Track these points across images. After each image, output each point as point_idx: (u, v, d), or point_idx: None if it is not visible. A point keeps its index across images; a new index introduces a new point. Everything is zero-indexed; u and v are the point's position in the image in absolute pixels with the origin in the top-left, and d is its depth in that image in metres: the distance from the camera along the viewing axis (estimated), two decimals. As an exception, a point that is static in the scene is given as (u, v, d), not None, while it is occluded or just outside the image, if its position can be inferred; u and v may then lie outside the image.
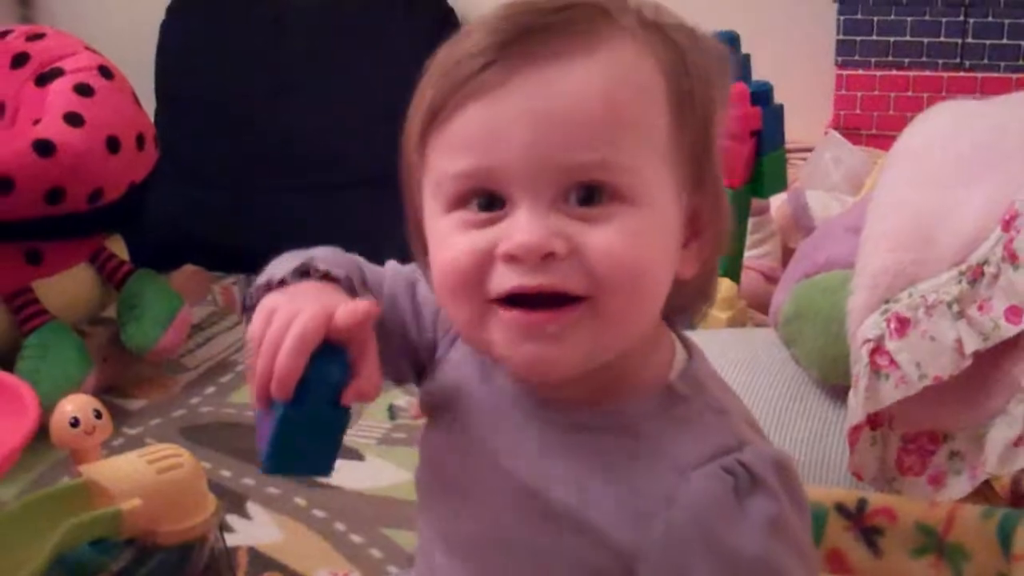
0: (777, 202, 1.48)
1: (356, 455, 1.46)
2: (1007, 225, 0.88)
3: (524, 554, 0.60)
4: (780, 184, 1.25)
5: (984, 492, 0.87)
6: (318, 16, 2.12)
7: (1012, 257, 0.87)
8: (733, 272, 1.19)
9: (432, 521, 0.67)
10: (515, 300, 0.56)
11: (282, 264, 0.65)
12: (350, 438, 1.49)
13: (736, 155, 1.14)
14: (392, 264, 0.72)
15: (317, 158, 2.04)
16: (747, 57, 1.19)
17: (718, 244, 0.62)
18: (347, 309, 0.57)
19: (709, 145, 0.61)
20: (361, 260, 0.71)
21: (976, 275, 0.88)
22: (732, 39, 1.16)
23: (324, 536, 1.30)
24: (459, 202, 0.58)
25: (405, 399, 1.59)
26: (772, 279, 1.35)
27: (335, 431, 0.58)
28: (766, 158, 1.18)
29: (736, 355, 1.09)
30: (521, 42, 0.57)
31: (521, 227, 0.55)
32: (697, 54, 0.61)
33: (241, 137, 2.07)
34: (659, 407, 0.60)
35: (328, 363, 0.56)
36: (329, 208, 1.98)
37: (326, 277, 0.63)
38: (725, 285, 1.16)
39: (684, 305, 0.64)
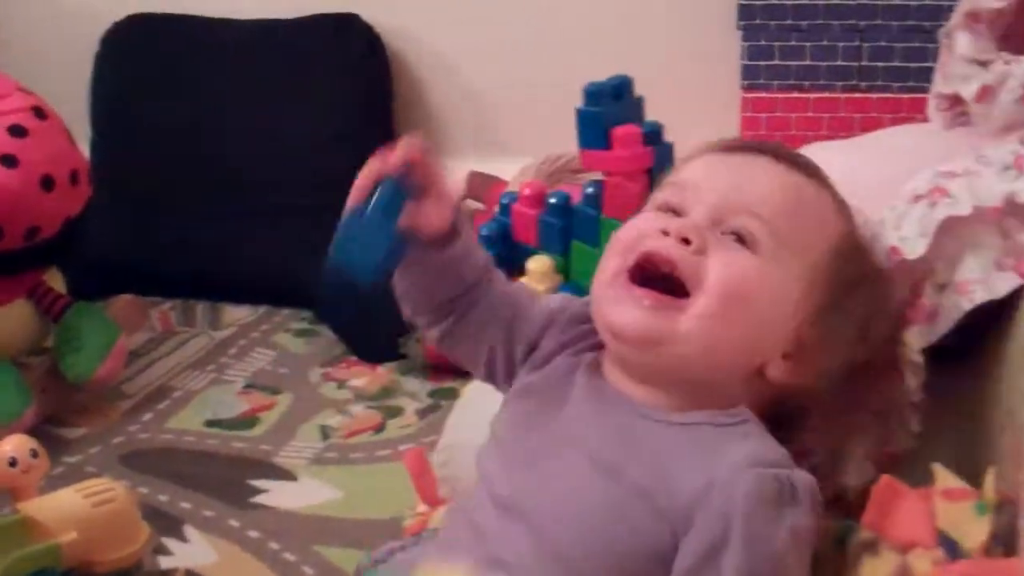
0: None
1: (289, 475, 1.53)
2: None
3: (589, 520, 0.70)
4: (674, 216, 1.36)
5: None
6: (251, 44, 2.18)
7: None
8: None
9: (498, 487, 0.76)
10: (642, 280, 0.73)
11: None
12: (283, 459, 1.56)
13: (630, 192, 1.24)
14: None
15: (252, 183, 2.09)
16: (640, 99, 1.28)
17: (803, 385, 0.75)
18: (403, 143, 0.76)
19: (842, 314, 0.75)
20: None
21: None
22: (625, 83, 1.25)
23: (259, 556, 1.36)
24: (658, 207, 0.78)
25: (337, 419, 1.67)
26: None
27: (384, 242, 0.74)
28: (660, 193, 1.28)
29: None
30: (744, 148, 0.80)
31: (689, 221, 0.74)
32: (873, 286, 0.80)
33: (176, 164, 2.12)
34: (729, 422, 0.73)
35: (391, 186, 0.73)
36: (266, 232, 2.04)
37: None
38: (542, 260, 1.24)
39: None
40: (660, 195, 0.79)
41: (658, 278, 0.73)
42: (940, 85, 1.12)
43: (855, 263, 0.78)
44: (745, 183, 0.76)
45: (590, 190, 1.28)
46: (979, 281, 0.94)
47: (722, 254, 0.73)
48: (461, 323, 0.84)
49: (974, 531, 0.68)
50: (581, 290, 1.24)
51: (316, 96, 2.07)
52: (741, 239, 0.74)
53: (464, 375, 1.47)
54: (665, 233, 0.73)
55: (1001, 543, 0.68)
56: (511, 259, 1.32)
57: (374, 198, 0.72)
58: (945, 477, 0.72)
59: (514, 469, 0.76)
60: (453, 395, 1.58)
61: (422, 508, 1.10)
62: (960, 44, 1.07)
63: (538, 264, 1.29)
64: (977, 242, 0.95)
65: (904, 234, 0.97)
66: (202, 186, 2.10)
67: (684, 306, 0.72)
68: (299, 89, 2.10)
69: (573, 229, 1.30)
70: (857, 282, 0.77)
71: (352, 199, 0.75)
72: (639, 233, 0.75)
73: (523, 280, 1.28)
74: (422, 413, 1.67)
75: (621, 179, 1.24)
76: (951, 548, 0.68)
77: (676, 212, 0.76)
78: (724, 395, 0.74)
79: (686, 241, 0.72)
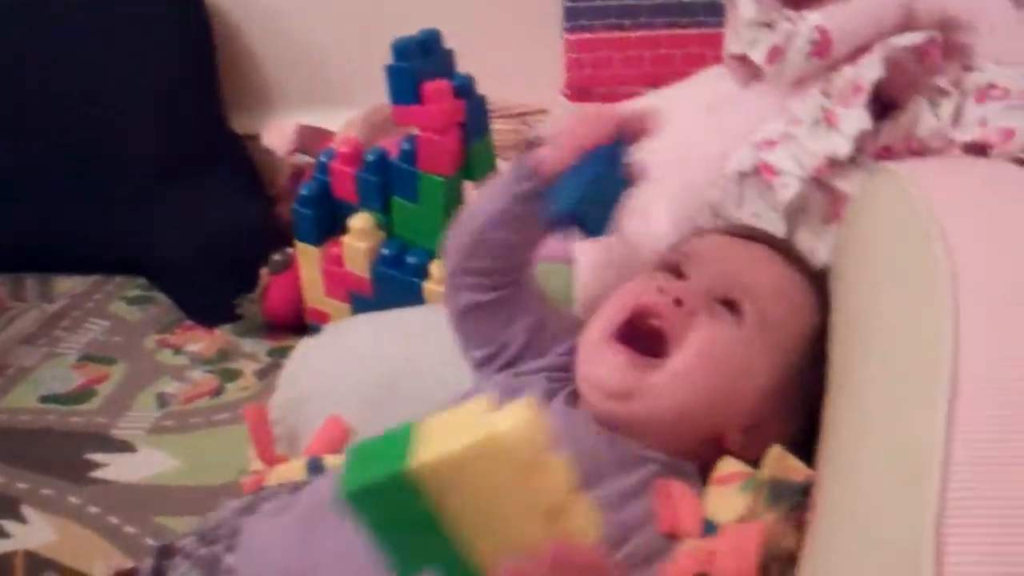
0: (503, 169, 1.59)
1: (127, 447, 1.52)
2: None
3: None
4: (490, 166, 1.37)
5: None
6: (78, 13, 2.09)
7: None
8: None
9: None
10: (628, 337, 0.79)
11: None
12: (121, 431, 1.55)
13: (444, 147, 1.25)
14: None
15: (73, 149, 2.03)
16: (450, 52, 1.29)
17: (761, 432, 0.80)
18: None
19: (803, 392, 0.81)
20: None
21: None
22: (433, 37, 1.25)
23: (99, 532, 1.36)
24: (662, 267, 0.86)
25: (174, 385, 1.65)
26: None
27: (617, 188, 0.83)
28: (474, 146, 1.29)
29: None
30: (752, 236, 0.89)
31: (688, 285, 0.81)
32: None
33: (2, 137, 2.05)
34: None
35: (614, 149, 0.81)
36: (92, 199, 1.98)
37: None
38: (364, 217, 1.25)
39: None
40: (666, 257, 0.86)
41: (643, 336, 0.79)
42: (732, 46, 1.15)
43: (819, 346, 0.82)
44: (746, 266, 0.84)
45: (406, 146, 1.28)
46: (811, 252, 1.00)
47: (709, 320, 0.79)
48: (498, 303, 0.90)
49: (731, 508, 0.72)
50: (404, 246, 1.26)
51: (135, 57, 2.01)
52: (731, 307, 0.80)
53: (302, 332, 1.48)
54: (661, 291, 0.80)
55: (773, 509, 0.73)
56: (333, 217, 1.32)
57: (603, 150, 0.81)
58: (734, 462, 0.76)
59: None
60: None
61: (257, 466, 1.10)
62: (743, 7, 1.11)
63: (360, 221, 1.29)
64: (806, 206, 1.00)
65: (758, 212, 1.01)
66: (20, 156, 2.02)
67: (660, 364, 0.78)
68: (117, 50, 2.04)
69: (392, 185, 1.30)
70: (819, 363, 0.81)
71: (592, 142, 0.81)
72: (637, 291, 0.82)
73: (346, 239, 1.29)
74: (261, 374, 1.67)
75: (434, 134, 1.25)
76: (709, 530, 0.72)
77: (677, 275, 0.84)
78: (679, 452, 0.79)
79: (679, 302, 0.79)
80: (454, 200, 1.29)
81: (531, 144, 0.93)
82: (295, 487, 0.96)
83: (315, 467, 1.04)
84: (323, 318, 1.36)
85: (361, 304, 1.31)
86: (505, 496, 0.58)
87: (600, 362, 0.80)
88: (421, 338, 1.15)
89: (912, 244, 0.76)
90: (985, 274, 0.69)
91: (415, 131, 1.28)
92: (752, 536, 0.69)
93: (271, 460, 1.09)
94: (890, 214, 0.86)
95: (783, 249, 0.89)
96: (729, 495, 0.73)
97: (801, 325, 0.83)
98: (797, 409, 0.81)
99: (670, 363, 0.77)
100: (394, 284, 1.28)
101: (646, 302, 0.80)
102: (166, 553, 0.93)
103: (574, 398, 0.84)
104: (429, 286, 1.26)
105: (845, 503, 0.59)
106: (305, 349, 1.22)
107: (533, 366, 0.88)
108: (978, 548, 0.48)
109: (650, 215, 1.07)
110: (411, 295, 1.27)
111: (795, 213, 1.00)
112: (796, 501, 0.74)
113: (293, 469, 1.06)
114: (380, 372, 1.12)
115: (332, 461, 1.05)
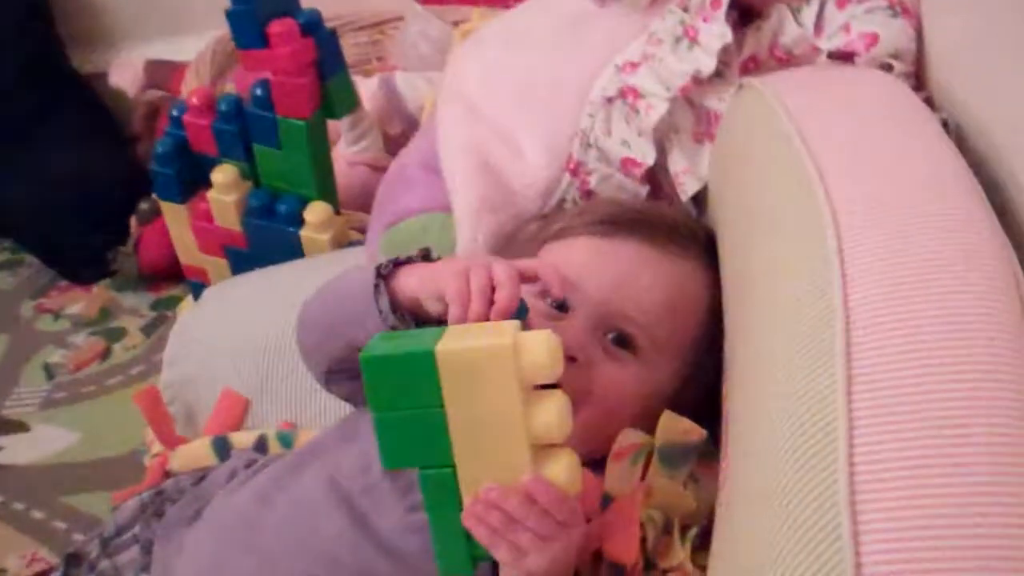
0: (369, 91, 1.55)
1: (21, 427, 1.49)
2: (574, 172, 1.01)
3: None
4: (350, 102, 1.33)
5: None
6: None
7: (588, 195, 1.02)
8: (327, 193, 1.27)
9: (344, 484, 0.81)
10: None
11: (356, 276, 0.78)
12: (11, 410, 1.51)
13: (300, 88, 1.20)
14: None
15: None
16: (295, -15, 1.23)
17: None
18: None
19: (704, 374, 0.81)
20: None
21: None
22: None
23: (5, 520, 1.34)
24: (542, 295, 0.79)
25: (60, 353, 1.61)
26: (379, 168, 1.43)
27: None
28: (330, 83, 1.24)
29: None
30: (639, 224, 0.84)
31: (574, 332, 0.77)
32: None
33: None
34: None
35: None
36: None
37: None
38: (320, 207, 1.24)
39: None
40: (543, 273, 0.76)
41: None
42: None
43: (717, 326, 0.81)
44: (627, 282, 0.80)
45: (259, 91, 1.23)
46: (687, 172, 0.99)
47: (606, 367, 0.78)
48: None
49: (626, 480, 0.74)
50: (274, 195, 1.22)
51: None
52: (624, 343, 0.79)
53: (183, 282, 1.44)
54: None
55: (671, 475, 0.74)
56: (195, 172, 1.27)
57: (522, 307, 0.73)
58: (632, 433, 0.76)
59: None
60: (176, 304, 1.55)
61: (157, 449, 1.09)
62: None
63: (223, 174, 1.25)
64: (676, 127, 0.99)
65: (625, 138, 1.00)
66: None
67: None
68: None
69: (251, 132, 1.25)
70: (717, 342, 0.81)
71: (504, 315, 0.70)
72: None
73: (212, 194, 1.24)
74: (147, 329, 1.64)
75: (287, 77, 1.20)
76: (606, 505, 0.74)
77: (559, 306, 0.79)
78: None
79: (572, 359, 0.75)
80: (318, 141, 1.25)
81: None
82: (199, 477, 0.95)
83: (220, 446, 1.04)
84: (201, 275, 1.32)
85: (238, 258, 1.27)
86: (505, 413, 0.63)
87: None
88: (301, 295, 1.13)
89: (781, 159, 0.76)
90: (851, 181, 0.69)
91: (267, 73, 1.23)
92: (631, 504, 0.71)
93: (172, 442, 1.07)
94: (756, 130, 0.87)
95: (663, 234, 0.84)
96: (623, 468, 0.74)
97: (697, 316, 0.83)
98: (700, 376, 0.82)
99: (578, 419, 0.71)
100: (268, 235, 1.25)
101: None
102: (72, 561, 0.92)
103: None
104: (305, 234, 1.23)
105: (755, 463, 0.60)
106: (185, 322, 1.19)
107: None
108: (892, 496, 0.49)
109: (522, 150, 1.05)
110: (287, 245, 1.24)
111: (665, 135, 1.00)
112: (695, 460, 0.75)
113: (197, 451, 1.05)
114: (265, 337, 1.10)
115: (236, 439, 1.04)
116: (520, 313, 0.70)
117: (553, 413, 0.64)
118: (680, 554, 0.71)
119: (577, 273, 0.80)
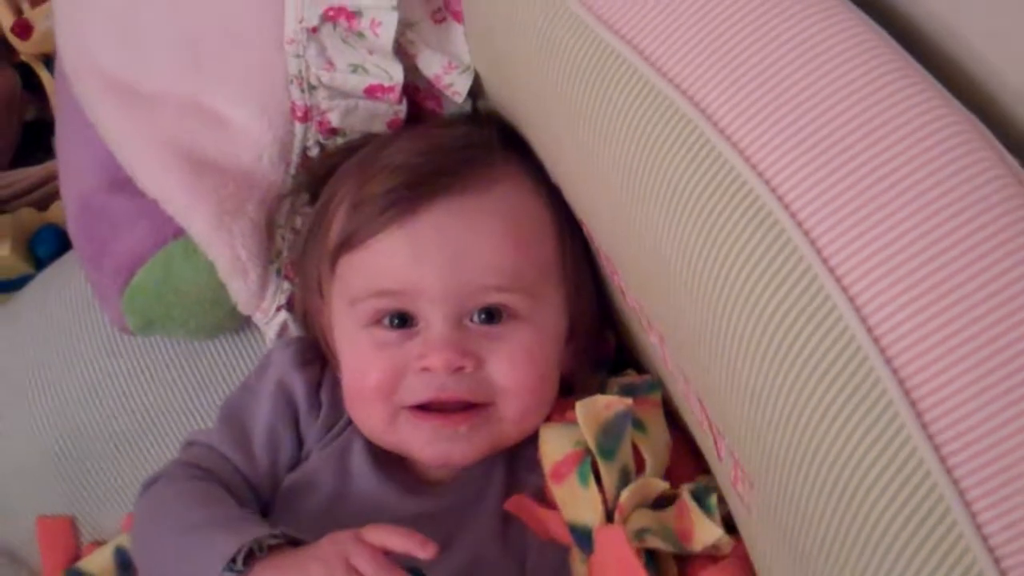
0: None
1: None
2: (304, 118, 0.84)
3: None
4: None
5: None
6: None
7: (332, 133, 0.84)
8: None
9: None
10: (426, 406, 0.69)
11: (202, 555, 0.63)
12: None
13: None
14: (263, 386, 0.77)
15: None
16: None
17: (591, 338, 0.76)
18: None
19: (580, 260, 0.74)
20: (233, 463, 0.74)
21: None
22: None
23: None
24: (375, 319, 0.70)
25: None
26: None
27: None
28: None
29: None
30: (428, 182, 0.70)
31: (437, 344, 0.68)
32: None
33: None
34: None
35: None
36: None
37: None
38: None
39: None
40: (364, 297, 0.70)
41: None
42: None
43: (565, 218, 0.73)
44: (458, 254, 0.69)
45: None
46: (448, 70, 0.81)
47: (498, 356, 0.69)
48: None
49: (588, 506, 0.65)
50: None
51: None
52: (496, 315, 0.69)
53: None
54: (427, 370, 0.68)
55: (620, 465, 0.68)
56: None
57: None
58: (553, 438, 0.69)
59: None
60: None
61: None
62: None
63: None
64: (408, 20, 0.80)
65: (356, 63, 0.80)
66: None
67: (495, 412, 0.70)
68: None
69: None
70: (577, 234, 0.73)
71: None
72: (395, 371, 0.69)
73: None
74: None
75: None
76: (584, 539, 0.65)
77: (404, 318, 0.70)
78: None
79: (459, 369, 0.68)
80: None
81: None
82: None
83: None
84: None
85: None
86: None
87: (437, 441, 0.69)
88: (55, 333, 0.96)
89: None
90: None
91: None
92: (619, 539, 0.64)
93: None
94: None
95: (461, 172, 0.71)
96: (574, 490, 0.66)
97: (544, 229, 0.73)
98: (587, 279, 0.76)
99: (505, 412, 0.69)
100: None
101: (434, 397, 0.68)
102: None
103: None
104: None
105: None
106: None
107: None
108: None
109: (226, 120, 0.85)
110: None
111: (401, 34, 0.81)
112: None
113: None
114: (44, 439, 0.93)
115: (90, 566, 0.89)
116: None
117: None
118: (715, 530, 0.64)
119: (403, 279, 0.69)
